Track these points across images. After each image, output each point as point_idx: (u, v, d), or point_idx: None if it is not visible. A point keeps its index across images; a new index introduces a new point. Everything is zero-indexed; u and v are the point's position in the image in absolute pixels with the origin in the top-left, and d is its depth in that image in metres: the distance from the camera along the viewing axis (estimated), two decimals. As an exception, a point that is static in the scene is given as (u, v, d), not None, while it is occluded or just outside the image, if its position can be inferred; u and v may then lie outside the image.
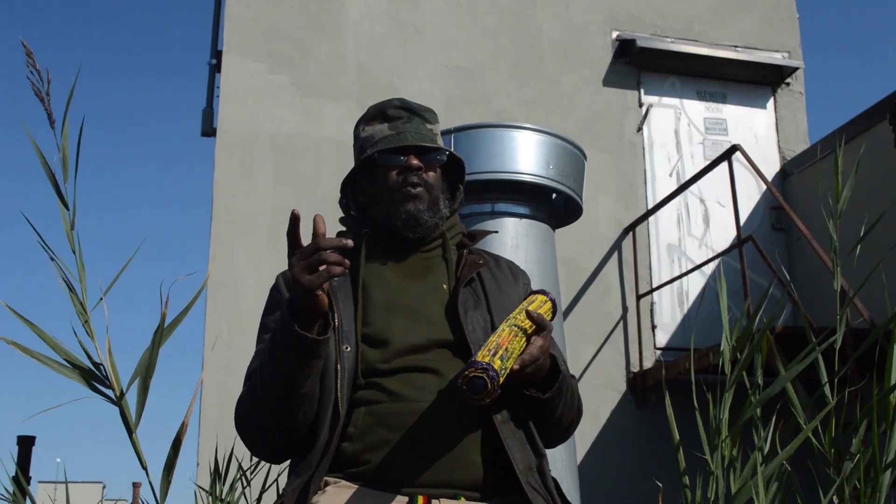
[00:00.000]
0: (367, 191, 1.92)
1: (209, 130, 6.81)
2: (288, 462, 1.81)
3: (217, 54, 7.02)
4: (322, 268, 1.53)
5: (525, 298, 1.82)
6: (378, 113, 1.94)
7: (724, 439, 1.79)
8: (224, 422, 5.19)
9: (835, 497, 1.80)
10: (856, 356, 1.79)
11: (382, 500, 1.60)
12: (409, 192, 1.84)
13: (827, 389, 1.94)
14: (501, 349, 1.55)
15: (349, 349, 1.71)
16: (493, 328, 1.77)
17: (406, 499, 1.60)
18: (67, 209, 1.82)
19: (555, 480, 1.72)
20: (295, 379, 1.61)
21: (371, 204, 1.91)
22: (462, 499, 1.63)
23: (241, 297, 5.94)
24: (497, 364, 1.51)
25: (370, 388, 1.69)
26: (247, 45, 6.56)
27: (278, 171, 6.35)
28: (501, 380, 1.51)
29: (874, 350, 2.16)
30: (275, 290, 1.91)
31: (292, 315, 1.57)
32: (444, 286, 1.84)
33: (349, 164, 7.11)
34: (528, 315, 1.65)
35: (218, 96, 6.66)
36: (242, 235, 6.12)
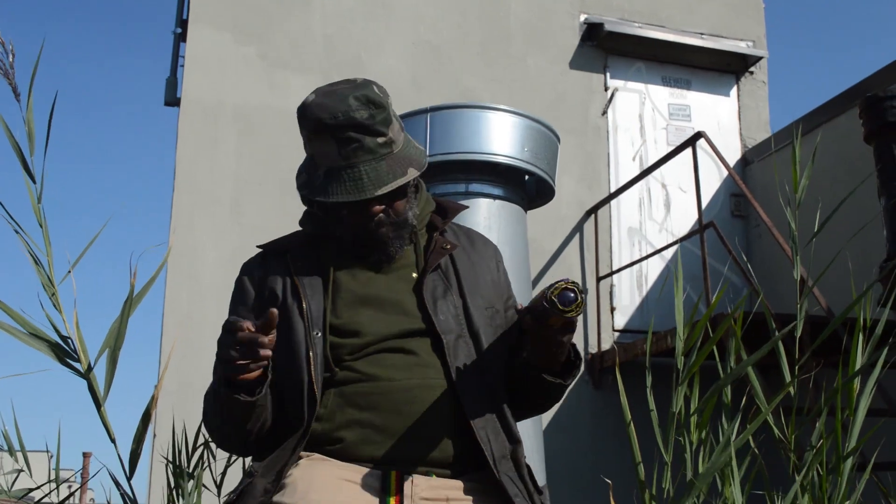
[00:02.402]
0: (327, 214, 1.82)
1: (173, 100, 6.73)
2: None
3: (182, 23, 6.93)
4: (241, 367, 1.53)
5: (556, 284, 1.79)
6: (324, 129, 1.72)
7: (686, 421, 1.82)
8: (182, 393, 5.17)
9: (798, 483, 1.83)
10: (816, 344, 1.83)
11: (355, 473, 1.62)
12: (381, 232, 1.76)
13: (787, 375, 1.98)
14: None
15: (319, 334, 1.71)
16: (466, 311, 1.77)
17: (379, 473, 1.62)
18: (34, 182, 1.80)
19: (528, 467, 1.71)
20: (240, 422, 1.65)
21: (333, 224, 1.81)
22: (434, 476, 1.64)
23: (201, 268, 5.90)
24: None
25: (341, 371, 1.69)
26: (213, 15, 6.49)
27: (242, 142, 6.30)
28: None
29: (828, 338, 2.20)
30: (238, 283, 1.88)
31: (226, 384, 1.58)
32: (414, 274, 1.81)
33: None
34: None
35: (182, 66, 6.58)
36: (204, 206, 6.08)
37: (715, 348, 2.11)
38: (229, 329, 1.51)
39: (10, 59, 1.74)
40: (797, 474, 1.85)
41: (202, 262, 5.93)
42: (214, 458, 2.38)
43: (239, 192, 6.18)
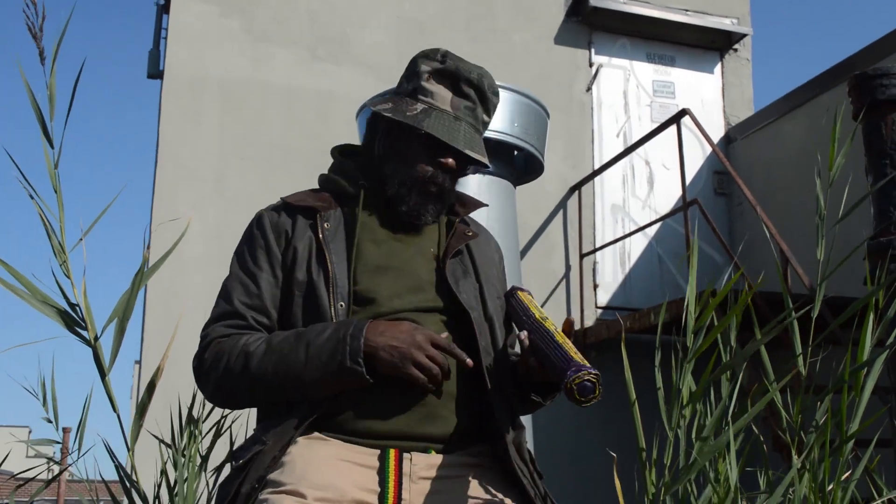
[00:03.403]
0: (390, 148, 1.83)
1: (155, 73, 6.67)
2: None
3: (165, -6, 6.87)
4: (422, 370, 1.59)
5: (518, 302, 1.82)
6: (451, 76, 1.80)
7: (689, 401, 1.83)
8: (167, 367, 5.16)
9: (799, 462, 1.85)
10: (834, 325, 1.83)
11: (354, 453, 1.62)
12: (430, 189, 1.78)
13: (799, 357, 2.00)
14: (574, 350, 1.57)
15: (343, 306, 1.69)
16: (482, 295, 1.80)
17: (378, 452, 1.62)
18: (52, 147, 1.78)
19: (530, 453, 1.73)
20: (313, 389, 1.63)
21: (387, 163, 1.82)
22: (433, 452, 1.65)
23: (184, 242, 5.86)
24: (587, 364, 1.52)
25: None
26: (196, -13, 6.43)
27: (225, 116, 6.26)
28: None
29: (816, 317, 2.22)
30: (260, 229, 1.82)
31: (359, 356, 1.59)
32: (433, 251, 1.81)
33: (298, 111, 7.01)
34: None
35: (165, 38, 6.53)
36: (188, 180, 6.05)
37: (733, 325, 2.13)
38: (433, 344, 1.61)
39: (41, 22, 1.72)
40: (797, 455, 1.86)
41: (185, 236, 5.90)
42: (200, 433, 2.38)
43: (222, 165, 6.15)
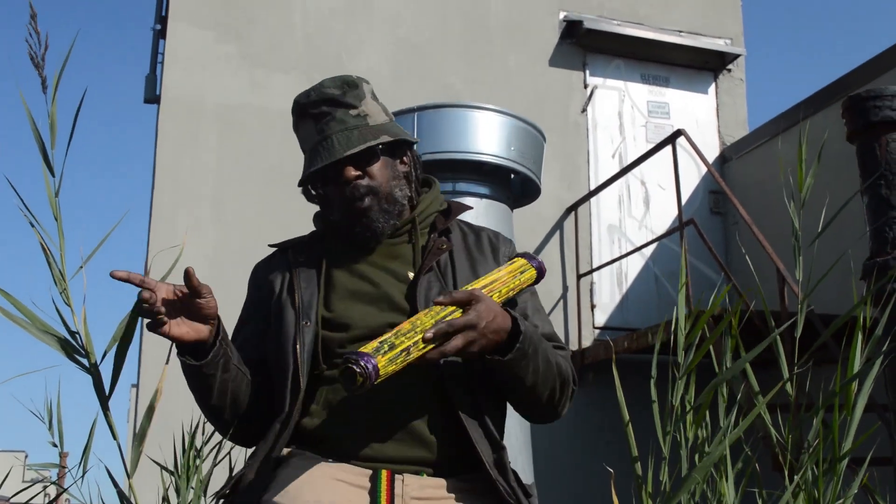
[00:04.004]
0: (319, 201, 1.88)
1: (152, 97, 6.71)
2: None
3: (162, 20, 6.91)
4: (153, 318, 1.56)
5: (509, 262, 1.80)
6: (302, 111, 1.84)
7: (683, 417, 1.83)
8: (165, 391, 5.16)
9: (796, 482, 1.86)
10: (820, 342, 1.84)
11: (346, 473, 1.62)
12: (357, 207, 1.77)
13: (785, 372, 2.01)
14: (398, 334, 1.52)
15: (308, 324, 1.72)
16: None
17: (370, 472, 1.62)
18: (53, 175, 1.80)
19: (514, 472, 1.70)
20: (204, 393, 1.68)
21: (327, 212, 1.87)
22: (424, 475, 1.64)
23: (181, 266, 5.87)
24: (370, 348, 1.48)
25: (330, 368, 1.70)
26: (193, 12, 6.47)
27: (222, 140, 6.28)
28: (383, 367, 1.47)
29: (804, 334, 2.23)
30: (248, 283, 1.94)
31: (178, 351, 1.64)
32: (410, 273, 1.80)
33: (294, 135, 7.01)
34: (453, 293, 1.60)
35: (162, 63, 6.56)
36: (185, 204, 6.06)
37: (712, 347, 2.14)
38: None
39: (43, 51, 1.74)
40: (795, 474, 1.87)
41: (182, 260, 5.89)
42: (201, 459, 2.38)
43: (219, 190, 6.16)
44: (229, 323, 1.76)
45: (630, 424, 1.86)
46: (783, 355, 2.01)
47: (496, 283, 1.71)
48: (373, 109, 1.85)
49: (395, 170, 1.85)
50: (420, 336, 1.51)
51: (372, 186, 1.78)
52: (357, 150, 1.74)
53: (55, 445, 2.10)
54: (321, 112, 1.80)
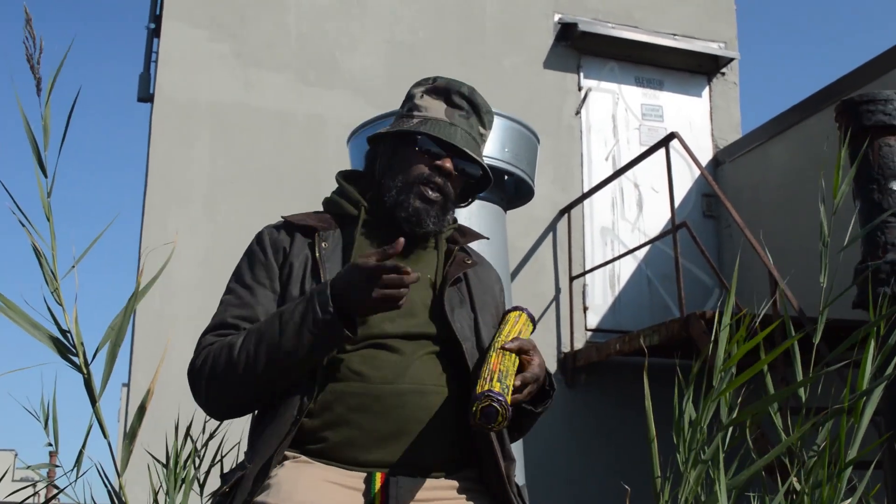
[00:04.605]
0: (389, 160, 1.86)
1: (146, 96, 6.70)
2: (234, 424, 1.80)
3: (156, 18, 6.89)
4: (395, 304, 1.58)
5: (502, 319, 1.84)
6: (443, 90, 1.87)
7: (690, 428, 1.83)
8: (156, 391, 5.14)
9: (797, 484, 1.86)
10: (839, 351, 1.84)
11: (340, 475, 1.61)
12: (427, 192, 1.80)
13: (799, 376, 2.01)
14: (496, 373, 1.57)
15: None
16: (476, 325, 1.80)
17: (364, 475, 1.61)
18: (45, 176, 1.79)
19: (518, 486, 1.72)
20: (306, 362, 1.62)
21: (386, 175, 1.85)
22: (419, 477, 1.64)
23: (174, 266, 5.86)
24: (497, 387, 1.53)
25: (334, 364, 1.68)
26: (186, 11, 6.45)
27: (216, 140, 6.27)
28: (509, 399, 1.53)
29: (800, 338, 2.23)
30: (260, 245, 1.84)
31: (337, 311, 1.59)
32: (430, 277, 1.82)
33: (289, 135, 7.01)
34: (514, 341, 1.68)
35: (155, 62, 6.55)
36: (178, 204, 6.05)
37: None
38: (375, 270, 1.56)
39: (38, 55, 1.74)
40: (802, 480, 1.87)
41: (174, 260, 5.88)
42: (201, 458, 2.37)
43: (212, 189, 6.15)
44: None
45: (655, 441, 1.85)
46: (798, 359, 2.02)
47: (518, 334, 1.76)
48: (486, 141, 1.94)
49: (458, 192, 1.91)
50: (510, 382, 1.59)
51: (448, 191, 1.83)
52: (474, 155, 1.83)
53: (50, 445, 2.09)
54: (460, 105, 1.86)
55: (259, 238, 1.85)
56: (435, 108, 1.85)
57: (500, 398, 1.51)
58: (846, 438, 1.85)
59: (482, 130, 1.89)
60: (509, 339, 1.69)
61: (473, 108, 1.87)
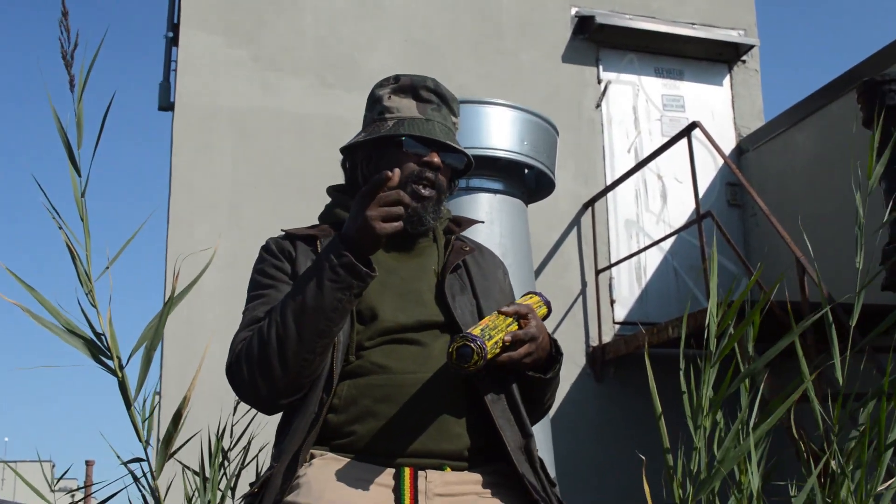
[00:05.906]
0: (375, 165, 1.87)
1: (166, 104, 6.72)
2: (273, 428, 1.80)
3: (174, 27, 6.92)
4: (398, 222, 1.59)
5: (522, 296, 1.85)
6: (410, 87, 1.90)
7: (709, 409, 1.82)
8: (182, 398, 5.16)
9: (835, 466, 1.85)
10: (877, 332, 1.83)
11: (369, 472, 1.62)
12: (421, 190, 1.82)
13: (837, 361, 2.00)
14: (483, 326, 1.60)
15: (345, 324, 1.70)
16: (479, 311, 1.82)
17: (393, 470, 1.62)
18: (79, 175, 1.79)
19: (541, 460, 1.73)
20: (333, 314, 1.61)
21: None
22: (448, 469, 1.65)
23: (207, 273, 5.87)
24: (477, 332, 1.56)
25: (356, 360, 1.70)
26: (204, 19, 6.48)
27: (238, 145, 6.29)
28: (489, 351, 1.56)
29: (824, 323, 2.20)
30: (269, 253, 1.86)
31: (351, 253, 1.60)
32: (434, 269, 1.85)
33: (310, 138, 7.03)
34: (511, 305, 1.70)
35: (175, 70, 6.58)
36: (202, 211, 6.07)
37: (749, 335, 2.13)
38: (368, 189, 1.60)
39: (72, 48, 1.73)
40: (839, 461, 1.85)
41: (201, 266, 5.91)
42: (228, 461, 2.38)
43: (236, 194, 6.17)
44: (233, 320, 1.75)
45: (662, 417, 1.85)
46: (836, 345, 2.00)
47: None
48: (459, 128, 1.97)
49: (448, 182, 1.93)
50: (499, 336, 1.61)
51: (440, 185, 1.86)
52: (460, 148, 1.86)
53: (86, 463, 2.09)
54: (429, 99, 1.89)
55: (266, 248, 1.89)
56: (406, 106, 1.88)
57: (478, 340, 1.54)
58: (886, 421, 1.84)
59: (454, 119, 1.93)
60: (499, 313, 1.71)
61: (441, 99, 1.90)
